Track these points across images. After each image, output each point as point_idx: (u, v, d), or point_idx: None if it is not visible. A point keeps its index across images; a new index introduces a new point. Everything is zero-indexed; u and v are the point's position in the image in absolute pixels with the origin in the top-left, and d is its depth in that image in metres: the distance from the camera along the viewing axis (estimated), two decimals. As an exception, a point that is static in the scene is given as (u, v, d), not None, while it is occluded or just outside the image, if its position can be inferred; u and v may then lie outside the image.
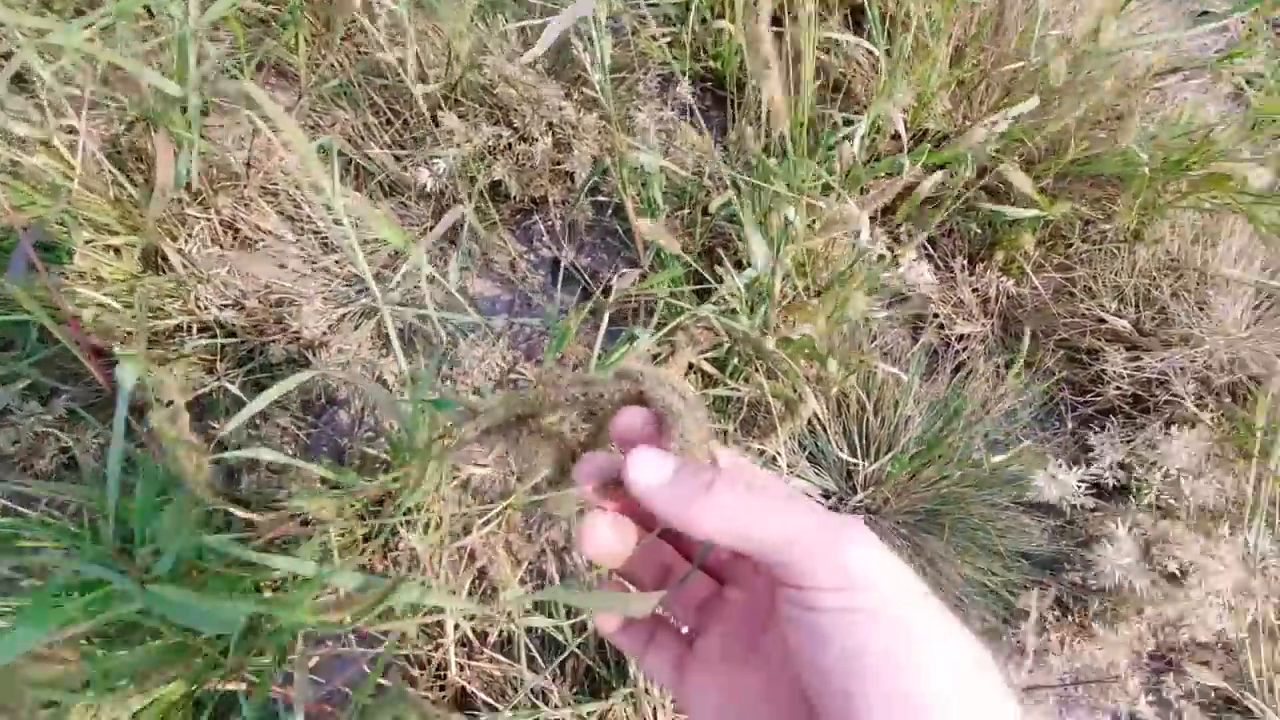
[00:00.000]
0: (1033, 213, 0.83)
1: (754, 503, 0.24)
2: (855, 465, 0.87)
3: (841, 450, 0.87)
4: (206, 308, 0.86)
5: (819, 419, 0.87)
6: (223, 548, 0.48)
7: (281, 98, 1.04)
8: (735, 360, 0.79)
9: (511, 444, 0.28)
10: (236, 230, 0.93)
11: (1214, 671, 0.78)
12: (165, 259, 0.86)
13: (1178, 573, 0.75)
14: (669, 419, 0.25)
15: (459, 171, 0.87)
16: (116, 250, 0.86)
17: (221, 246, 0.91)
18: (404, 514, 0.67)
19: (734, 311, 0.72)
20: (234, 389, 0.80)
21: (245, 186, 0.92)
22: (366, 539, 0.72)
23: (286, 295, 0.89)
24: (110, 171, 0.83)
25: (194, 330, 0.86)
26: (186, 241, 0.87)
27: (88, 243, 0.83)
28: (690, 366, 0.81)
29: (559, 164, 0.91)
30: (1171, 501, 0.82)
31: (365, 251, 0.95)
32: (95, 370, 0.64)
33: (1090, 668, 0.79)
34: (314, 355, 0.86)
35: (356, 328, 0.88)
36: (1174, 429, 0.82)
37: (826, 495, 0.88)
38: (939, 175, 0.78)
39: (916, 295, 0.91)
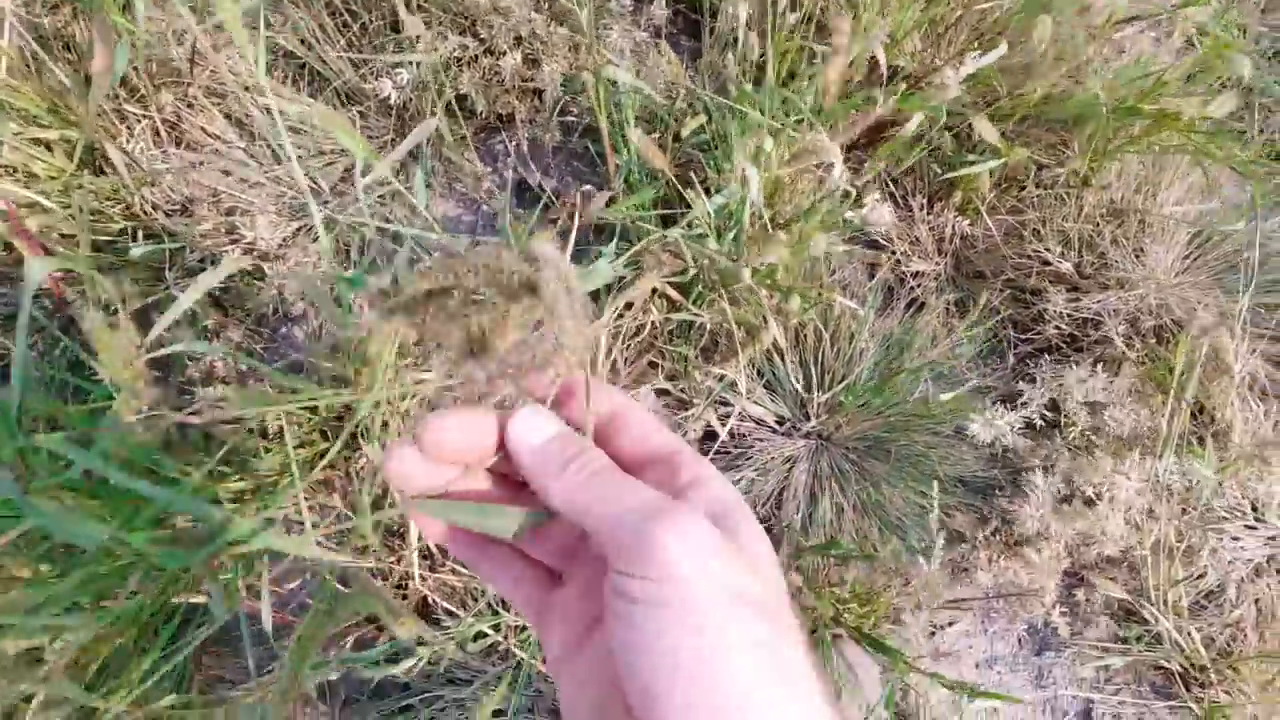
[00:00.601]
0: (996, 162, 0.85)
1: (595, 483, 0.24)
2: (809, 395, 0.91)
3: (797, 380, 0.90)
4: (152, 213, 0.82)
5: (777, 348, 0.90)
6: (56, 448, 0.46)
7: (226, -9, 0.97)
8: (700, 287, 0.80)
9: (419, 325, 0.26)
10: (181, 132, 0.88)
11: (1118, 585, 0.87)
12: (105, 159, 0.81)
13: (1094, 497, 0.82)
14: (548, 317, 0.24)
15: (423, 84, 0.84)
16: (49, 146, 0.80)
17: (164, 150, 0.86)
18: (361, 424, 0.67)
19: (703, 237, 0.73)
20: (185, 298, 0.77)
21: (189, 85, 0.87)
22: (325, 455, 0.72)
23: (238, 204, 0.85)
24: (38, 57, 0.77)
25: (139, 236, 0.82)
26: (128, 141, 0.81)
27: (16, 134, 0.77)
28: (654, 291, 0.82)
29: (528, 80, 0.88)
30: (1093, 438, 0.89)
31: (321, 163, 0.91)
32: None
33: (1012, 583, 0.86)
34: (270, 268, 0.83)
35: (315, 240, 0.85)
36: (1100, 367, 0.88)
37: (781, 422, 0.92)
38: (917, 119, 0.79)
39: (876, 233, 0.93)
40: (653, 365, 0.88)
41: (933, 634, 0.93)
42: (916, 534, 0.87)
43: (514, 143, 0.96)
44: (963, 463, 0.90)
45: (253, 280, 0.86)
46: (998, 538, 0.85)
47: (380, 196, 0.91)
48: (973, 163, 0.87)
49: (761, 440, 0.90)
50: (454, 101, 0.89)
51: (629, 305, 0.78)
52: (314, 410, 0.73)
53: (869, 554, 0.86)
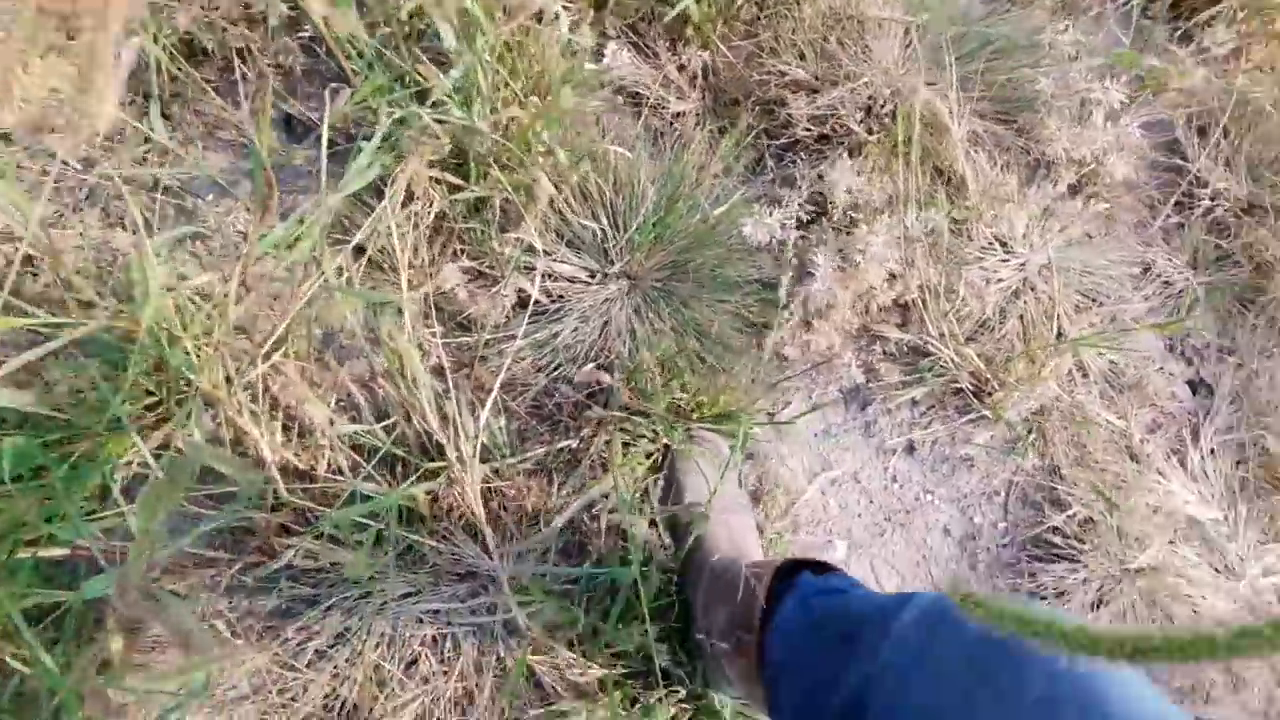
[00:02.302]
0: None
1: None
2: (609, 243, 0.99)
3: (596, 231, 0.98)
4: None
5: (571, 206, 0.97)
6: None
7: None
8: (472, 164, 0.86)
9: None
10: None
11: (899, 327, 1.02)
12: None
13: (860, 261, 0.95)
14: None
15: (135, 27, 0.83)
16: None
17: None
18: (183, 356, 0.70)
19: (447, 108, 0.77)
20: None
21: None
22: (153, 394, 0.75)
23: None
24: None
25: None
26: None
27: None
28: (436, 181, 0.86)
29: (248, 7, 0.88)
30: (853, 214, 1.01)
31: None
32: None
33: (817, 352, 0.99)
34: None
35: (78, 210, 0.84)
36: (848, 154, 1.00)
37: (592, 274, 1.00)
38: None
39: (634, 85, 1.00)
40: (458, 253, 0.93)
41: (772, 418, 1.06)
42: (729, 334, 0.98)
43: (258, 75, 0.96)
44: (756, 265, 1.02)
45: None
46: (795, 318, 0.97)
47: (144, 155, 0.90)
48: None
49: (577, 293, 0.98)
50: (179, 47, 0.88)
51: (411, 196, 0.82)
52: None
53: (702, 357, 0.97)
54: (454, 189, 0.84)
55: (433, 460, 0.87)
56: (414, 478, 0.82)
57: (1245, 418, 1.19)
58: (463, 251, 0.92)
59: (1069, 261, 1.15)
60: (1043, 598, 1.07)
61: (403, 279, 0.78)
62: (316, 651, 0.91)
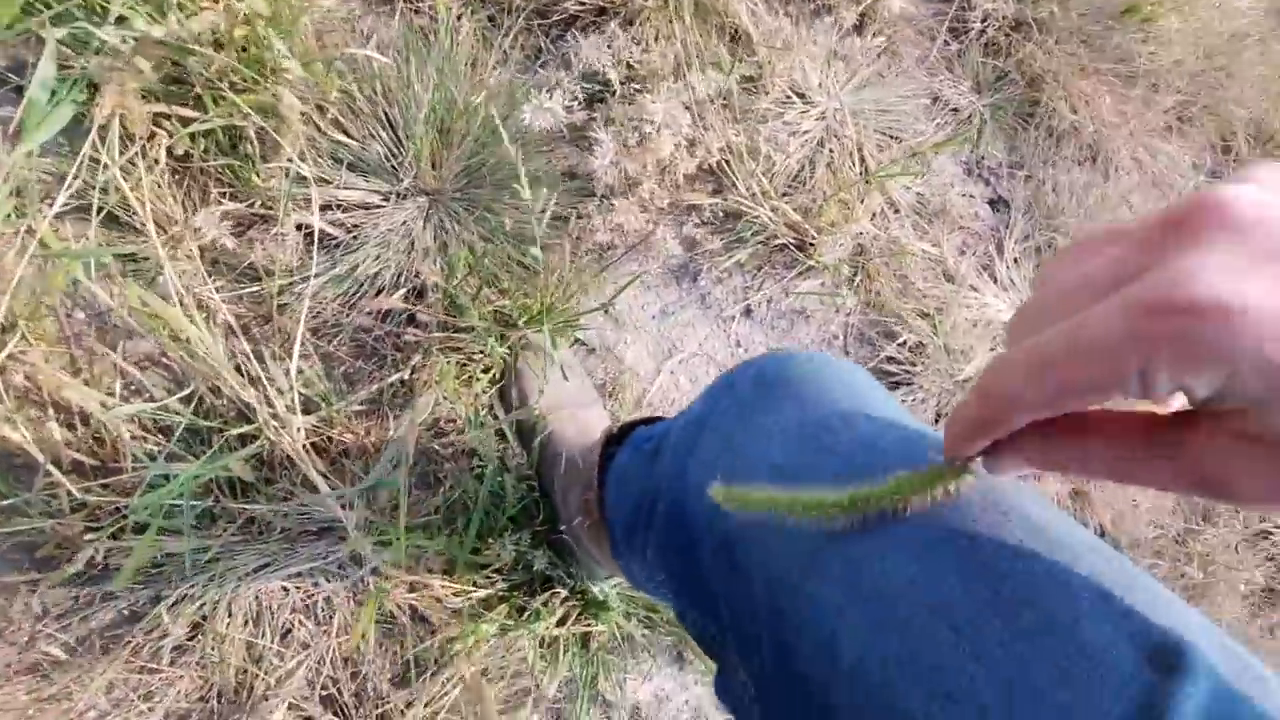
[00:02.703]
0: None
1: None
2: (394, 160, 0.92)
3: (376, 151, 0.91)
4: None
5: (341, 126, 0.89)
6: None
7: None
8: (202, 90, 0.76)
9: None
10: None
11: (711, 194, 1.02)
12: None
13: (651, 132, 0.93)
14: None
15: None
16: None
17: None
18: None
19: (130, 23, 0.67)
20: None
21: None
22: None
23: None
24: None
25: None
26: None
27: None
28: (164, 117, 0.77)
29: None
30: (637, 86, 0.99)
31: None
32: None
33: (632, 233, 0.98)
34: None
35: None
36: (620, 23, 0.96)
37: (386, 196, 0.93)
38: None
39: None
40: (221, 197, 0.84)
41: (607, 311, 1.05)
42: (545, 235, 0.95)
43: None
44: (563, 157, 0.98)
45: None
46: (598, 202, 0.95)
47: None
48: None
49: (372, 219, 0.91)
50: None
51: (131, 136, 0.73)
52: None
53: (520, 262, 0.94)
54: (187, 122, 0.75)
55: (249, 423, 0.82)
56: (216, 447, 0.76)
57: (1038, 224, 1.29)
58: (226, 194, 0.83)
59: (864, 104, 1.18)
60: (888, 423, 1.15)
61: (151, 232, 0.70)
62: (175, 648, 0.85)
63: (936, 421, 1.17)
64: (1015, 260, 1.28)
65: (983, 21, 1.26)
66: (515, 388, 0.92)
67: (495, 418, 0.94)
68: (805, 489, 0.33)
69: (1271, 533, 1.44)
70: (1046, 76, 1.27)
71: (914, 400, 1.15)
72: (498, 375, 0.96)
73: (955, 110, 1.27)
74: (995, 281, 1.25)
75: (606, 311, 1.04)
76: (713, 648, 0.47)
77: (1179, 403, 0.23)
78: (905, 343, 1.15)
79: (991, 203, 1.30)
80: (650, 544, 0.53)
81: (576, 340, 1.03)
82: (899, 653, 0.30)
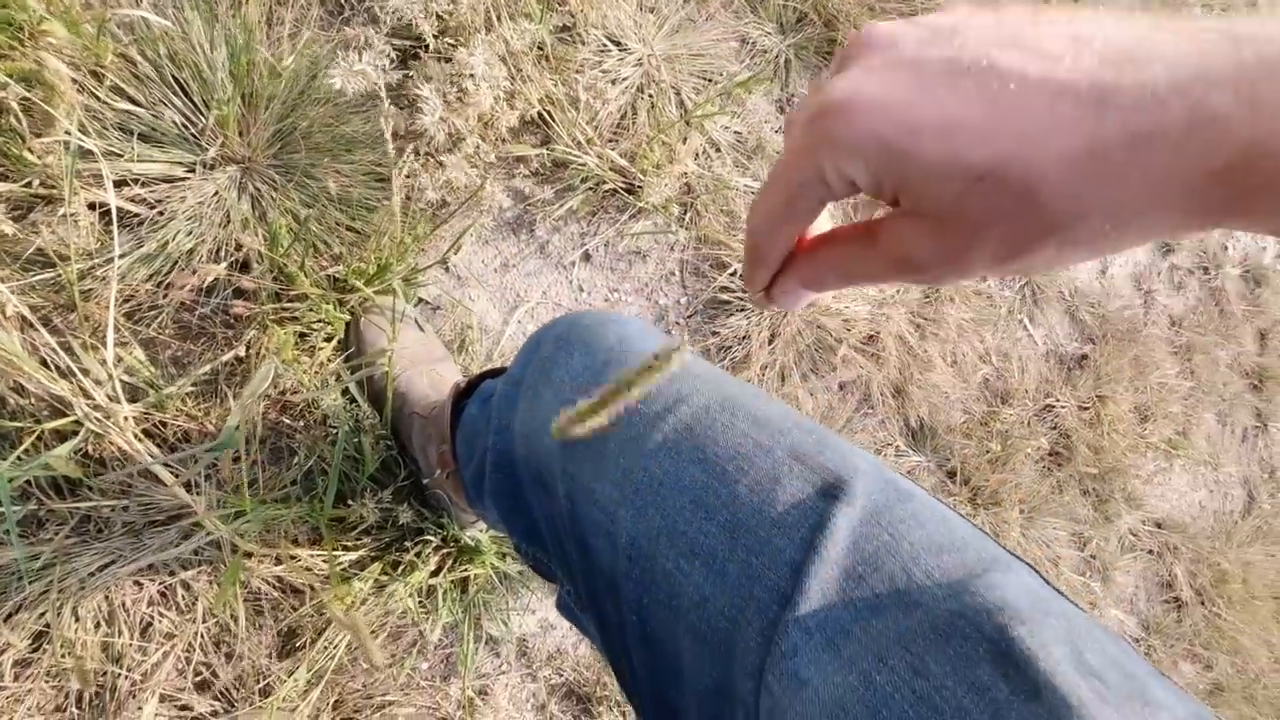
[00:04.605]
0: None
1: None
2: (193, 127, 0.88)
3: (172, 120, 0.86)
4: None
5: (126, 94, 0.83)
6: None
7: None
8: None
9: None
10: None
11: (537, 145, 1.05)
12: None
13: (469, 86, 0.94)
14: None
15: None
16: None
17: None
18: None
19: None
20: None
21: None
22: None
23: None
24: None
25: None
26: None
27: None
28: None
29: None
30: (449, 40, 0.99)
31: None
32: None
33: (463, 189, 0.99)
34: None
35: None
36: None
37: (190, 167, 0.89)
38: None
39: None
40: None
41: (449, 269, 1.07)
42: (369, 196, 0.95)
43: None
44: (373, 115, 0.97)
45: None
46: (424, 159, 0.95)
47: None
48: None
49: (179, 191, 0.87)
50: None
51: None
52: None
53: (349, 226, 0.93)
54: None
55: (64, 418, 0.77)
56: (23, 448, 0.72)
57: (845, 153, 1.42)
58: (-2, 176, 0.77)
59: (678, 49, 1.23)
60: (728, 347, 1.25)
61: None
62: (18, 662, 0.81)
63: (771, 340, 1.28)
64: (828, 188, 1.40)
65: (779, -35, 1.34)
66: (360, 349, 0.92)
67: (342, 382, 0.94)
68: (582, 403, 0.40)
69: (1053, 405, 1.71)
70: (840, 16, 1.38)
71: (750, 324, 1.25)
72: (340, 342, 0.95)
73: (763, 51, 1.35)
74: (812, 209, 1.37)
75: (447, 268, 1.05)
76: (544, 570, 0.54)
77: (882, 211, 0.27)
78: (737, 271, 1.24)
79: (803, 137, 1.41)
80: (487, 489, 0.58)
81: (420, 300, 1.04)
82: (659, 527, 0.39)
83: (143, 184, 0.85)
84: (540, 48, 1.02)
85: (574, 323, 0.53)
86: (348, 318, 0.93)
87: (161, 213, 0.85)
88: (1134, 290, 2.01)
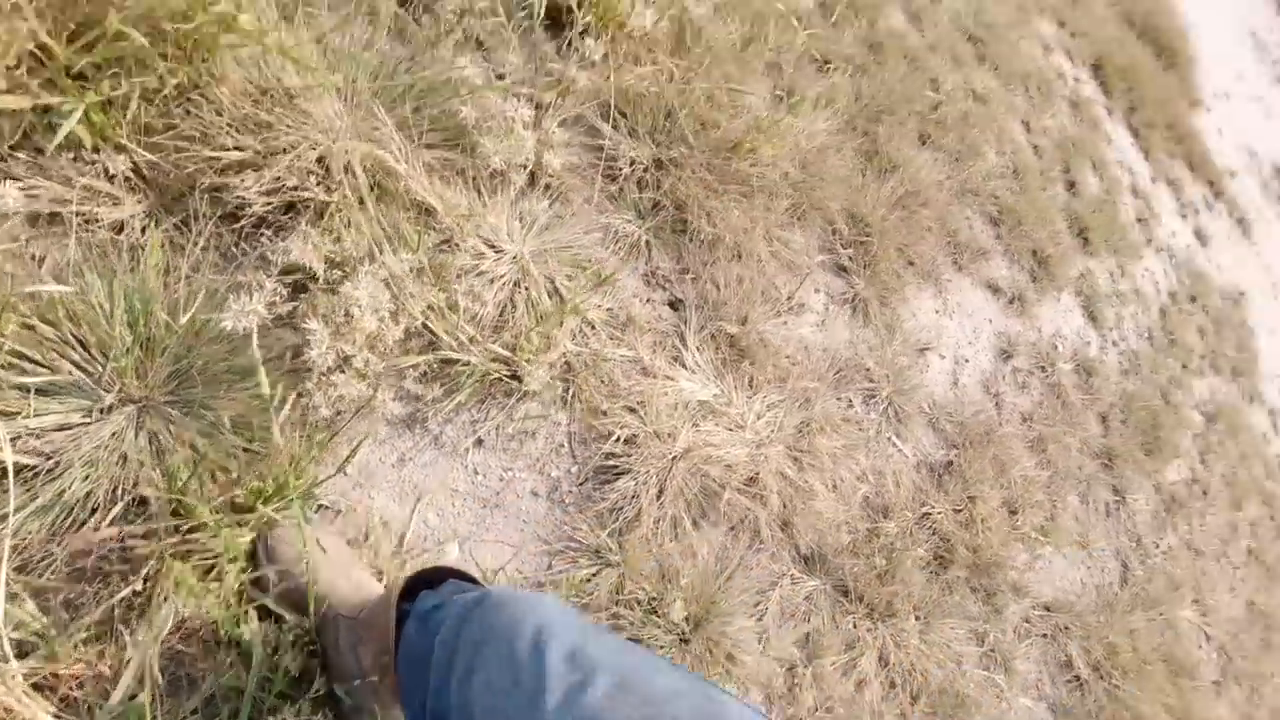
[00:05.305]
0: (77, 108, 0.91)
1: None
2: (95, 377, 0.94)
3: (69, 373, 0.92)
4: None
5: (24, 355, 0.89)
6: None
7: None
8: None
9: None
10: None
11: (423, 350, 1.15)
12: None
13: (355, 313, 1.05)
14: None
15: None
16: None
17: None
18: None
19: None
20: None
21: None
22: None
23: None
24: None
25: None
26: None
27: None
28: None
29: None
30: (337, 271, 1.11)
31: None
32: None
33: (354, 401, 1.07)
34: None
35: None
36: (309, 219, 1.08)
37: (87, 414, 0.94)
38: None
39: (24, 209, 0.94)
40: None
41: (346, 474, 1.13)
42: (266, 420, 1.02)
43: None
44: (268, 343, 1.06)
45: None
46: (315, 380, 1.04)
47: None
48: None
49: (75, 439, 0.92)
50: None
51: None
52: None
53: (247, 449, 0.99)
54: None
55: None
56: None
57: (709, 314, 1.61)
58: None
59: (548, 245, 1.40)
60: (620, 508, 1.34)
61: None
62: None
63: (659, 495, 1.39)
64: (699, 347, 1.57)
65: (630, 165, 1.56)
66: (272, 564, 0.96)
67: (254, 602, 0.96)
68: None
69: (929, 513, 1.87)
70: (689, 201, 1.61)
71: (637, 484, 1.36)
72: (245, 564, 0.99)
73: (626, 237, 1.54)
74: (685, 368, 1.53)
75: (346, 474, 1.12)
76: None
77: None
78: (619, 438, 1.36)
79: (671, 304, 1.59)
80: None
81: (321, 506, 1.09)
82: None
83: (38, 436, 0.90)
84: (419, 268, 1.15)
85: (496, 611, 0.66)
86: (251, 538, 0.98)
87: (58, 462, 0.89)
88: (985, 395, 2.26)
